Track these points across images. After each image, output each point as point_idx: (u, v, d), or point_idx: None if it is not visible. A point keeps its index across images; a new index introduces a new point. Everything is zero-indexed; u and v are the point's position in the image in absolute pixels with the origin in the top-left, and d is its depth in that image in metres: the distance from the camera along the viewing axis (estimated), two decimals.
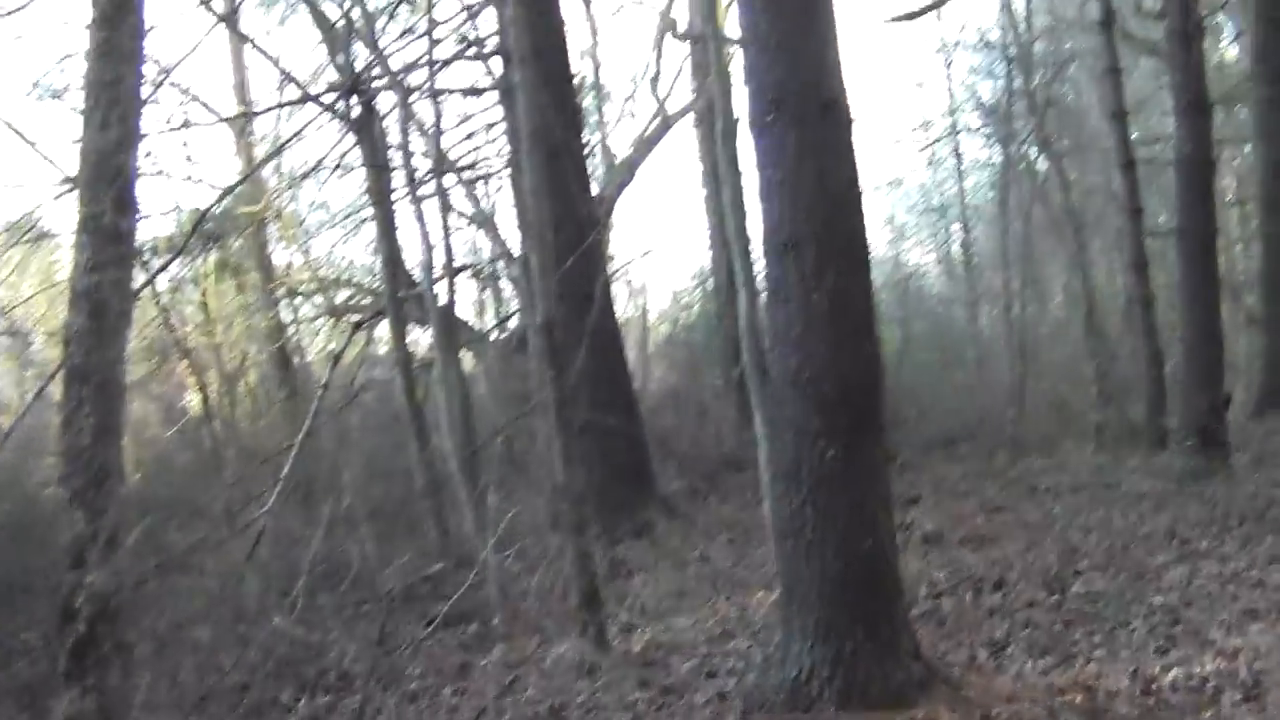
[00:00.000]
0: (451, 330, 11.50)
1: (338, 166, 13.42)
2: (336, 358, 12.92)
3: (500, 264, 14.97)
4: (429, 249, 10.43)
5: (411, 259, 12.32)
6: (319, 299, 17.11)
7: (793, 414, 5.19)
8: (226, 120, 13.75)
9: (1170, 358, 11.37)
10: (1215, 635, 5.49)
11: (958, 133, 30.95)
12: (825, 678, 4.95)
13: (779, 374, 5.27)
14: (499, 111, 13.41)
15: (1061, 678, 5.22)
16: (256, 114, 15.28)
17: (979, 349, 26.39)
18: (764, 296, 5.76)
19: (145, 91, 7.55)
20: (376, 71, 10.90)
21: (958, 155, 32.12)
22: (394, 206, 11.85)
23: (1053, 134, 23.19)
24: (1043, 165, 21.93)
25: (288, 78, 12.24)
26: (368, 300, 16.08)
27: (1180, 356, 9.55)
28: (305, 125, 11.99)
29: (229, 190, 12.86)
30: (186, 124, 11.72)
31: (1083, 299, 16.85)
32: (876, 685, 4.92)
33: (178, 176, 13.19)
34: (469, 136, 14.20)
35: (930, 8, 10.95)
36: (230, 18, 12.38)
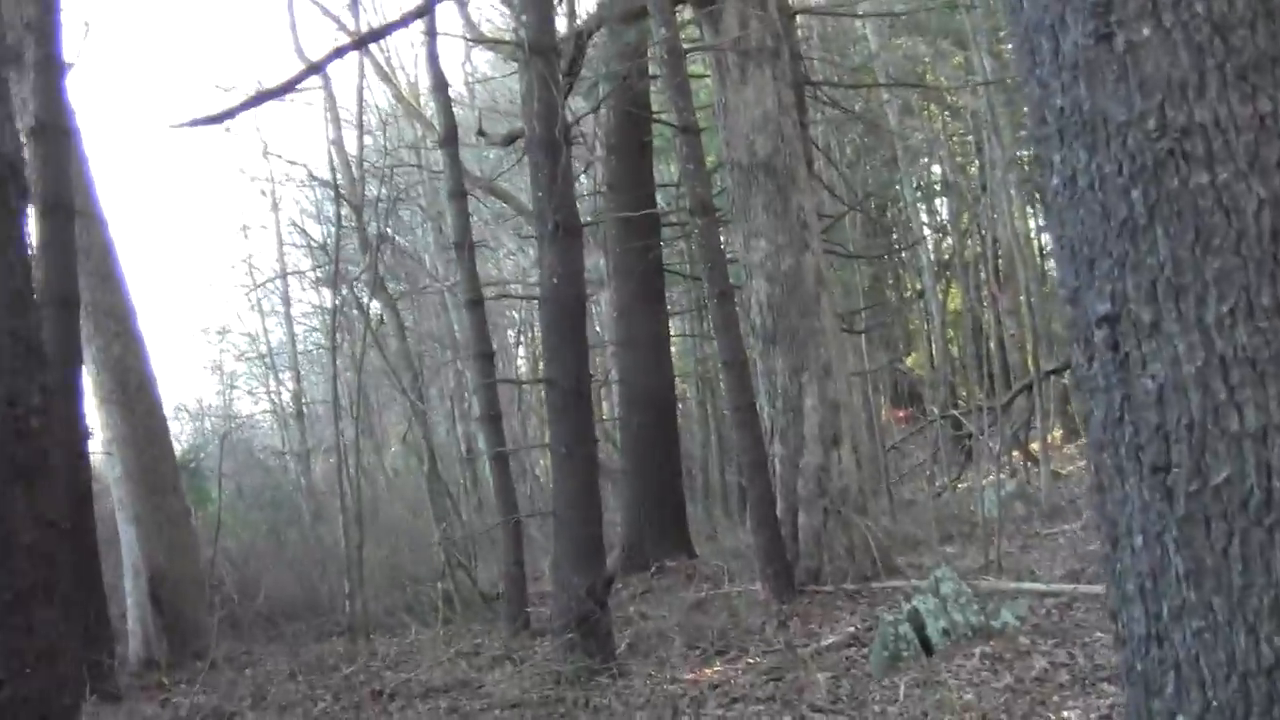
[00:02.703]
0: None
1: None
2: None
3: None
4: None
5: None
6: None
7: None
8: None
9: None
10: None
11: (286, 275, 29.24)
12: None
13: None
14: None
15: None
16: None
17: (314, 505, 24.32)
18: None
19: None
20: None
21: (286, 300, 30.46)
22: None
23: (386, 275, 22.10)
24: (377, 308, 20.74)
25: None
26: None
27: (553, 529, 7.87)
28: None
29: None
30: None
31: (423, 453, 15.26)
32: None
33: None
34: None
35: (221, 116, 8.72)
36: None
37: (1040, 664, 6.20)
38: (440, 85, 10.91)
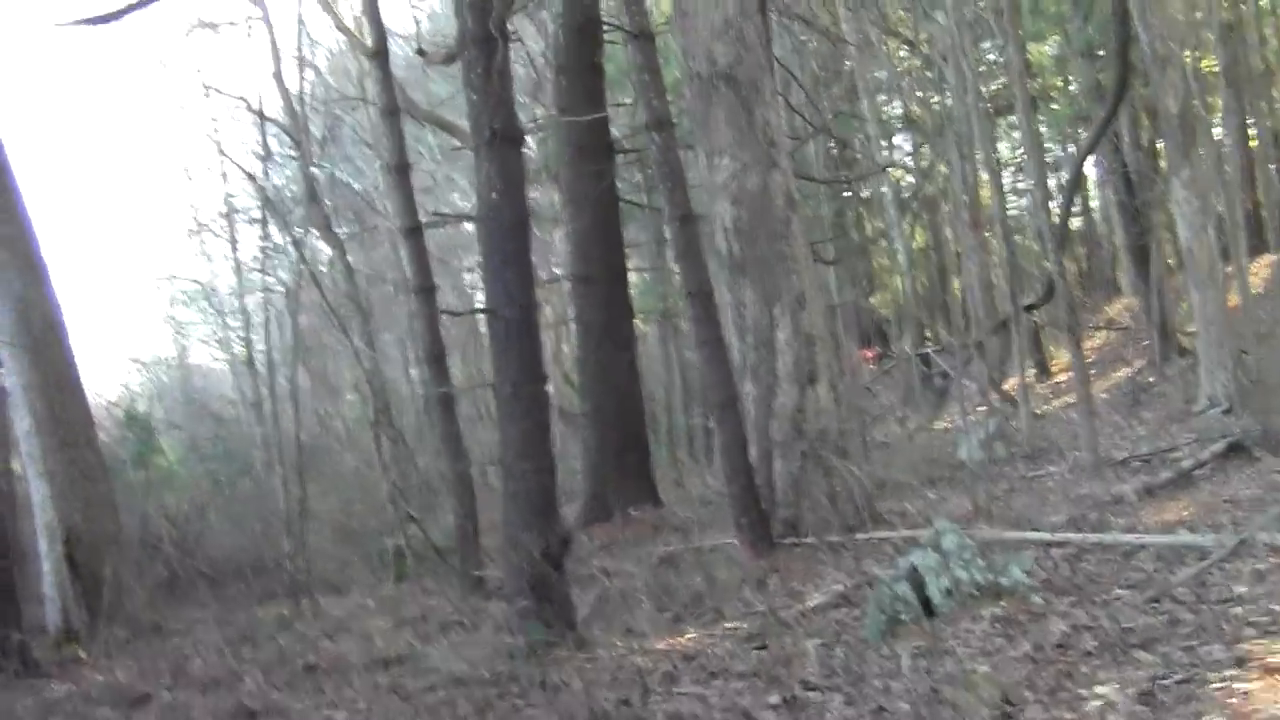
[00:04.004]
0: None
1: None
2: None
3: None
4: None
5: None
6: None
7: None
8: None
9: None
10: None
11: (230, 215, 27.99)
12: None
13: None
14: None
15: None
16: None
17: (266, 455, 23.49)
18: None
19: None
20: None
21: (233, 242, 29.18)
22: None
23: (334, 216, 21.02)
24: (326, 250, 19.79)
25: None
26: None
27: (500, 480, 6.93)
28: None
29: None
30: None
31: (370, 398, 14.34)
32: None
33: None
34: None
35: (112, 15, 7.65)
36: None
37: (1059, 627, 5.42)
38: None
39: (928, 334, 26.01)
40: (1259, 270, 19.94)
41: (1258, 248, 20.06)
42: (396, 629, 7.97)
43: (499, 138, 6.54)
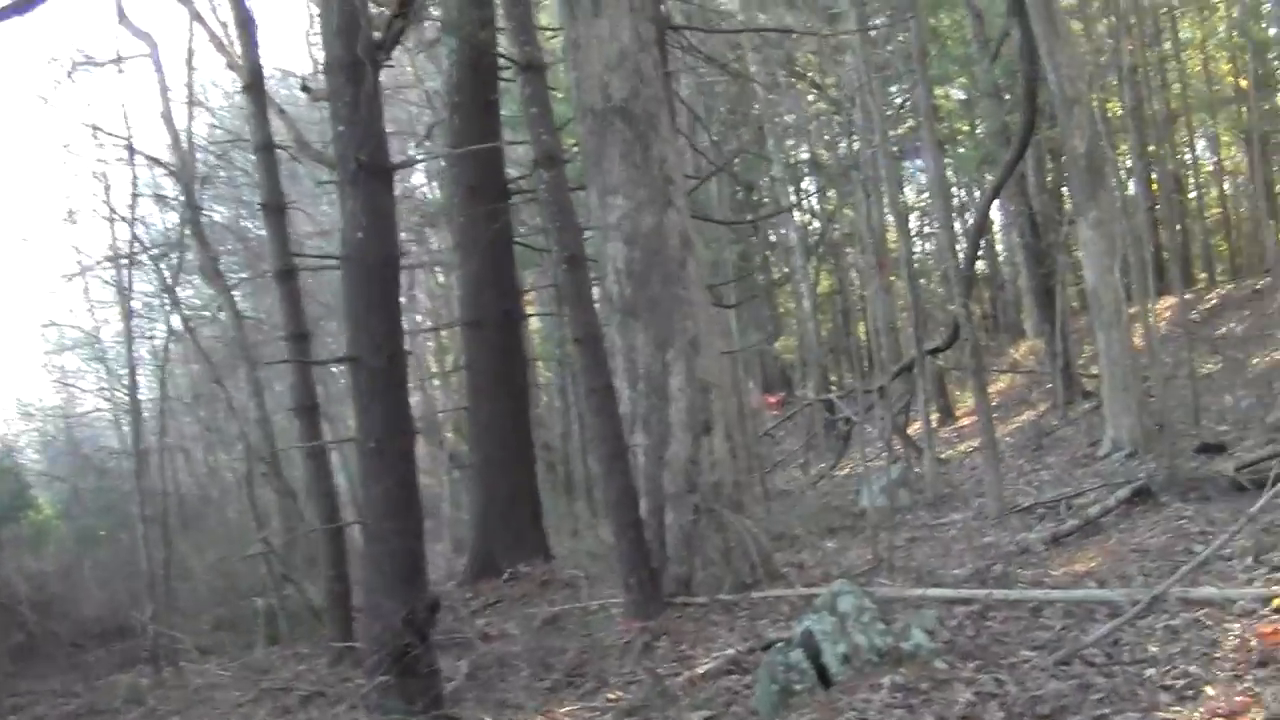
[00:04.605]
0: None
1: None
2: None
3: None
4: None
5: None
6: None
7: None
8: None
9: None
10: None
11: (120, 259, 26.93)
12: None
13: None
14: None
15: None
16: None
17: (152, 509, 22.44)
18: None
19: None
20: None
21: (119, 288, 28.06)
22: None
23: (219, 258, 20.23)
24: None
25: None
26: None
27: (364, 541, 6.34)
28: None
29: None
30: None
31: (249, 451, 13.61)
32: None
33: None
34: None
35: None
36: None
37: (964, 696, 5.01)
38: (244, 21, 9.32)
39: (832, 379, 25.86)
40: (1163, 312, 20.09)
41: (1161, 289, 20.23)
42: (256, 701, 7.31)
43: (366, 170, 6.03)
